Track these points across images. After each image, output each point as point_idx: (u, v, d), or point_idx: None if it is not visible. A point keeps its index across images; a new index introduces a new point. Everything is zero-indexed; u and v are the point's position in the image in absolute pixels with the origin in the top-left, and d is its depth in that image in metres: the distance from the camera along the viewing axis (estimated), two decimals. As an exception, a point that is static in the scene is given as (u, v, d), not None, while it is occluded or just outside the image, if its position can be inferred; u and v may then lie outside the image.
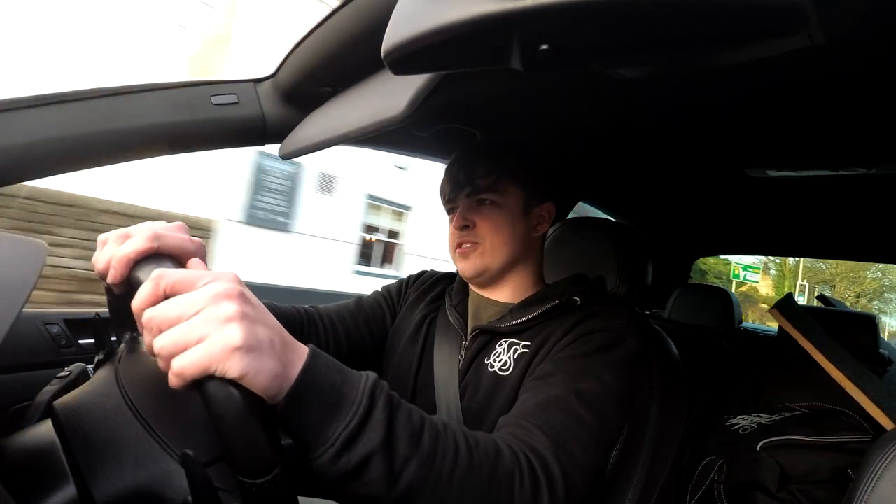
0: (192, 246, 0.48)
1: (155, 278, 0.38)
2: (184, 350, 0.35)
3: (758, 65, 0.60)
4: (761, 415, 1.28)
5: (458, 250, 0.78)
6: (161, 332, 0.36)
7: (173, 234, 0.46)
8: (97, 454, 0.43)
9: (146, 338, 0.38)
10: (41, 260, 0.42)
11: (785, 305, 1.26)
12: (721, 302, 1.81)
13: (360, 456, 0.40)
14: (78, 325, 0.92)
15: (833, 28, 0.27)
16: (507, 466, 0.49)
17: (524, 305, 0.74)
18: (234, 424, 0.35)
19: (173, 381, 0.36)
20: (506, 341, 0.72)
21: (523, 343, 0.71)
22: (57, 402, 0.46)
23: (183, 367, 0.35)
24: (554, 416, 0.58)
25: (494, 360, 0.71)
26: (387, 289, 0.93)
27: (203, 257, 0.48)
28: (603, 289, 0.81)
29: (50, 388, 0.56)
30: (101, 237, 0.46)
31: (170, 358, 0.35)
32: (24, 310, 0.38)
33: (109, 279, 0.44)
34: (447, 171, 0.81)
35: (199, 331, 0.35)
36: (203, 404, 0.36)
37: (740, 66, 0.56)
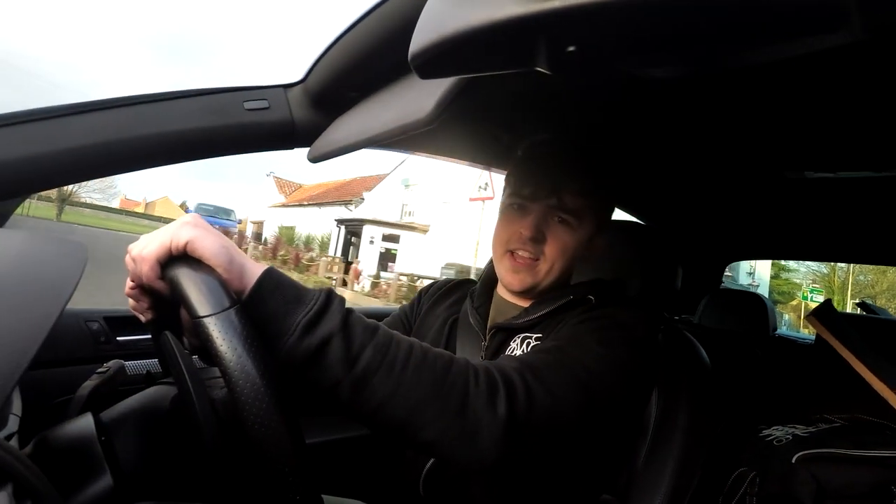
0: None
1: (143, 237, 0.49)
2: (150, 243, 0.45)
3: (796, 62, 0.58)
4: (797, 426, 1.23)
5: (508, 258, 0.74)
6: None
7: None
8: (120, 419, 0.49)
9: (130, 265, 0.47)
10: (83, 260, 0.44)
11: (823, 312, 1.21)
12: (754, 307, 1.75)
13: (320, 338, 0.44)
14: (117, 323, 0.96)
15: (875, 23, 0.26)
16: (461, 366, 0.51)
17: (539, 303, 0.74)
18: (186, 278, 0.41)
19: (145, 271, 0.45)
20: (520, 336, 0.73)
21: (536, 335, 0.71)
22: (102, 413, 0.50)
23: (149, 250, 0.44)
24: (530, 356, 0.59)
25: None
26: (402, 308, 0.95)
27: None
28: (621, 291, 0.80)
29: (90, 383, 0.58)
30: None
31: (140, 254, 0.45)
32: (66, 307, 0.40)
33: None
34: (530, 165, 0.77)
35: (163, 229, 0.46)
36: (171, 289, 0.43)
37: (777, 63, 0.55)
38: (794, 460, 1.09)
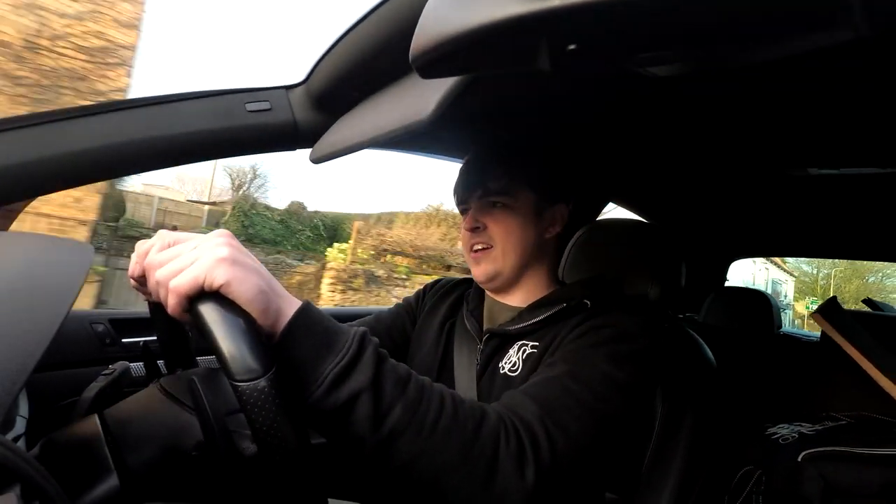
0: None
1: (160, 235, 0.45)
2: (180, 272, 0.40)
3: (798, 59, 0.58)
4: (803, 424, 1.22)
5: (471, 254, 0.77)
6: (162, 266, 0.42)
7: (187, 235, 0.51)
8: (127, 424, 0.46)
9: (149, 280, 0.43)
10: (88, 262, 0.44)
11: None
12: (759, 306, 1.74)
13: (349, 394, 0.42)
14: (122, 325, 0.96)
15: (879, 19, 0.26)
16: (492, 426, 0.49)
17: (534, 307, 0.74)
18: (220, 330, 0.38)
19: (172, 303, 0.40)
20: (516, 343, 0.72)
21: (532, 343, 0.70)
22: (106, 411, 0.49)
23: (178, 283, 0.40)
24: (545, 390, 0.58)
25: (506, 363, 0.71)
26: (406, 299, 0.95)
27: None
28: (619, 291, 0.79)
29: (95, 385, 0.58)
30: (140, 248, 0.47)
31: (167, 282, 0.40)
32: (71, 309, 0.40)
33: (136, 272, 0.47)
34: (461, 171, 0.81)
35: (193, 255, 0.41)
36: (196, 326, 0.40)
37: (781, 60, 0.54)
38: (800, 458, 1.09)
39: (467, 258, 0.79)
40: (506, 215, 0.75)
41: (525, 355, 0.70)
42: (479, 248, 0.76)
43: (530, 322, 0.72)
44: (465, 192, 0.79)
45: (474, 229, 0.76)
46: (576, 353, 0.63)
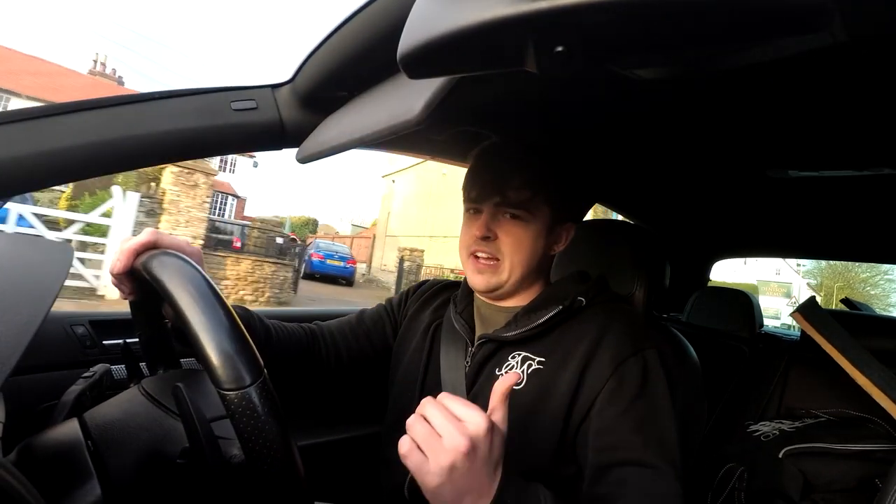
0: (189, 249, 0.59)
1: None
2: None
3: (778, 64, 0.59)
4: (783, 421, 1.25)
5: (472, 261, 0.75)
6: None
7: (171, 236, 0.57)
8: (109, 429, 0.46)
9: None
10: (68, 262, 0.43)
11: (808, 308, 1.23)
12: (741, 305, 1.77)
13: None
14: (103, 326, 0.94)
15: (856, 25, 0.27)
16: None
17: (528, 311, 0.73)
18: (207, 335, 0.39)
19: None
20: (519, 354, 0.71)
21: (538, 358, 0.70)
22: (86, 414, 0.49)
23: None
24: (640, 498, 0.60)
25: (506, 373, 0.71)
26: (389, 301, 0.94)
27: (200, 262, 0.57)
28: (605, 286, 0.79)
29: (75, 388, 0.57)
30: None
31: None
32: (50, 310, 0.39)
33: (116, 269, 0.53)
34: (476, 169, 0.78)
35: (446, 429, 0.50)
36: (180, 330, 0.42)
37: (761, 65, 0.55)
38: (780, 455, 1.11)
39: (465, 261, 0.76)
40: (519, 229, 0.73)
41: (531, 370, 0.69)
42: (485, 257, 0.74)
43: (527, 328, 0.71)
44: (481, 195, 0.75)
45: (485, 238, 0.73)
46: (630, 430, 0.64)
